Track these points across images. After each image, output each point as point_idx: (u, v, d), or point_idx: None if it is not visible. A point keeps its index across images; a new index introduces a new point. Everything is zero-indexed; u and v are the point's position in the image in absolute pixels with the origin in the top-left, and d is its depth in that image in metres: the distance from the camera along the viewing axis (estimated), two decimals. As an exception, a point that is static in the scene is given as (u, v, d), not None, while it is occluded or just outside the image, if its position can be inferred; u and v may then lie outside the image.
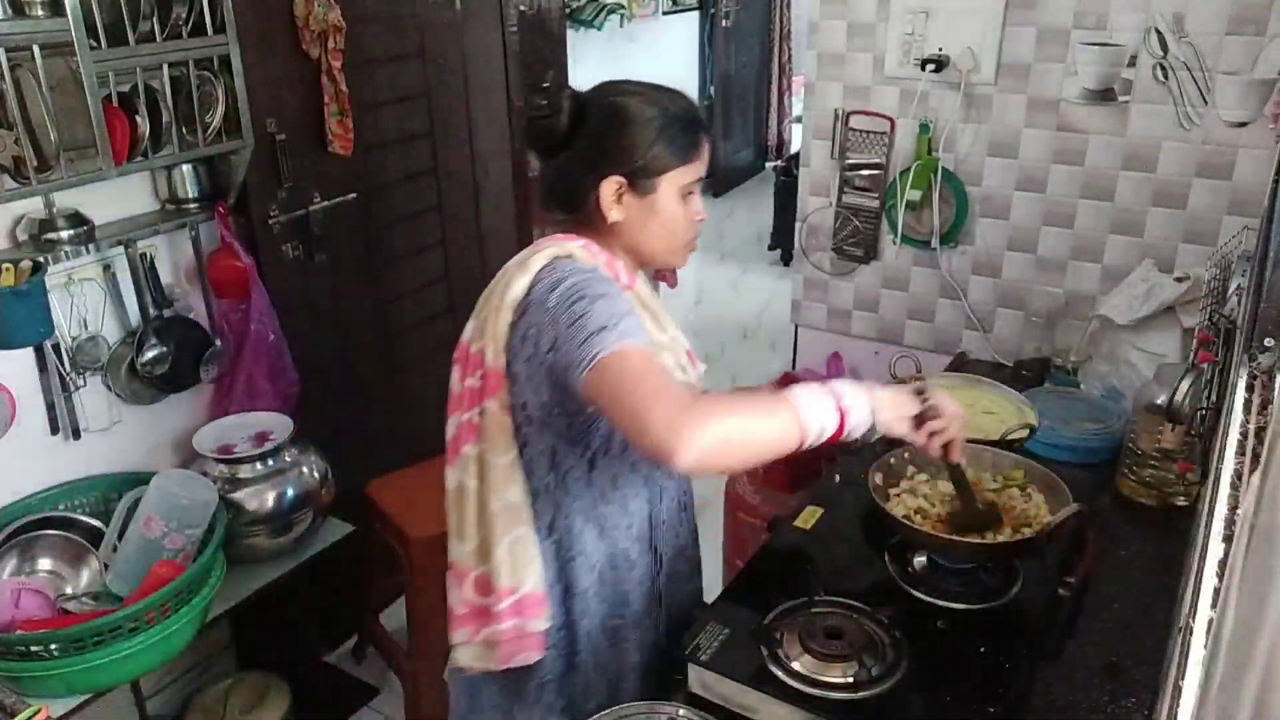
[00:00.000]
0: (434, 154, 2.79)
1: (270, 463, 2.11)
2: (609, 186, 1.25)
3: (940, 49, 2.16)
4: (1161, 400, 1.48)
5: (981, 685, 1.20)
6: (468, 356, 1.28)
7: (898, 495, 1.46)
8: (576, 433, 1.26)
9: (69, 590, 1.87)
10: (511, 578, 1.28)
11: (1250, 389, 0.95)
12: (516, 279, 1.23)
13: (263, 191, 2.28)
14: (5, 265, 1.77)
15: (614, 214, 1.26)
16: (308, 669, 2.44)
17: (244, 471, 2.08)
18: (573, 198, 1.28)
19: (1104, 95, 2.03)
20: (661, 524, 1.41)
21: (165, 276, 2.12)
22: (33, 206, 1.87)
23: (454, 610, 1.35)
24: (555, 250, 1.25)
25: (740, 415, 1.08)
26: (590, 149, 1.26)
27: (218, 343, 2.20)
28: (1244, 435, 0.86)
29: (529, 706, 1.38)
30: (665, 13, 5.25)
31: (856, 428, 1.14)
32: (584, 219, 1.29)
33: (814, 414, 1.10)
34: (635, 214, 1.27)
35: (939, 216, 2.27)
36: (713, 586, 1.58)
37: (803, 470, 1.93)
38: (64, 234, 1.88)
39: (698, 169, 1.29)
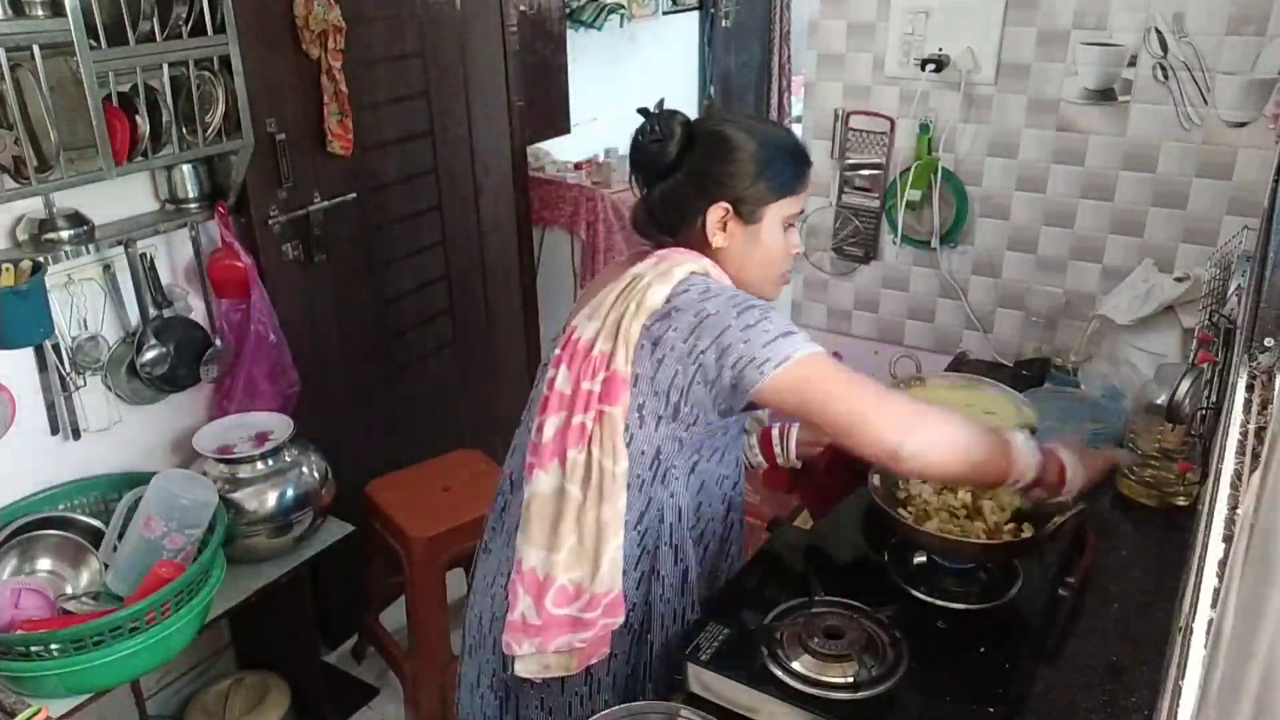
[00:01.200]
0: (434, 154, 2.79)
1: (270, 463, 2.11)
2: (715, 213, 1.29)
3: (940, 49, 2.16)
4: (1161, 400, 1.48)
5: (981, 685, 1.20)
6: (586, 357, 1.26)
7: (917, 505, 1.45)
8: (695, 434, 1.28)
9: (69, 590, 1.87)
10: (611, 582, 1.28)
11: (1250, 389, 0.95)
12: (656, 287, 1.25)
13: (263, 191, 2.28)
14: (5, 265, 1.77)
15: (718, 240, 1.30)
16: (308, 669, 2.44)
17: (244, 471, 2.08)
18: (677, 221, 1.31)
19: (1104, 95, 2.03)
20: (734, 536, 1.45)
21: (165, 276, 2.12)
22: (33, 206, 1.87)
23: (521, 620, 1.30)
24: (693, 266, 1.29)
25: (960, 426, 1.21)
26: (699, 175, 1.29)
27: (218, 343, 2.20)
28: (1244, 435, 0.86)
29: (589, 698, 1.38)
30: (665, 13, 5.24)
31: (1069, 488, 1.28)
32: (686, 243, 1.32)
33: (1026, 456, 1.23)
34: (738, 242, 1.31)
35: (939, 216, 2.27)
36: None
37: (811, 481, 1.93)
38: (64, 234, 1.88)
39: (800, 201, 1.34)
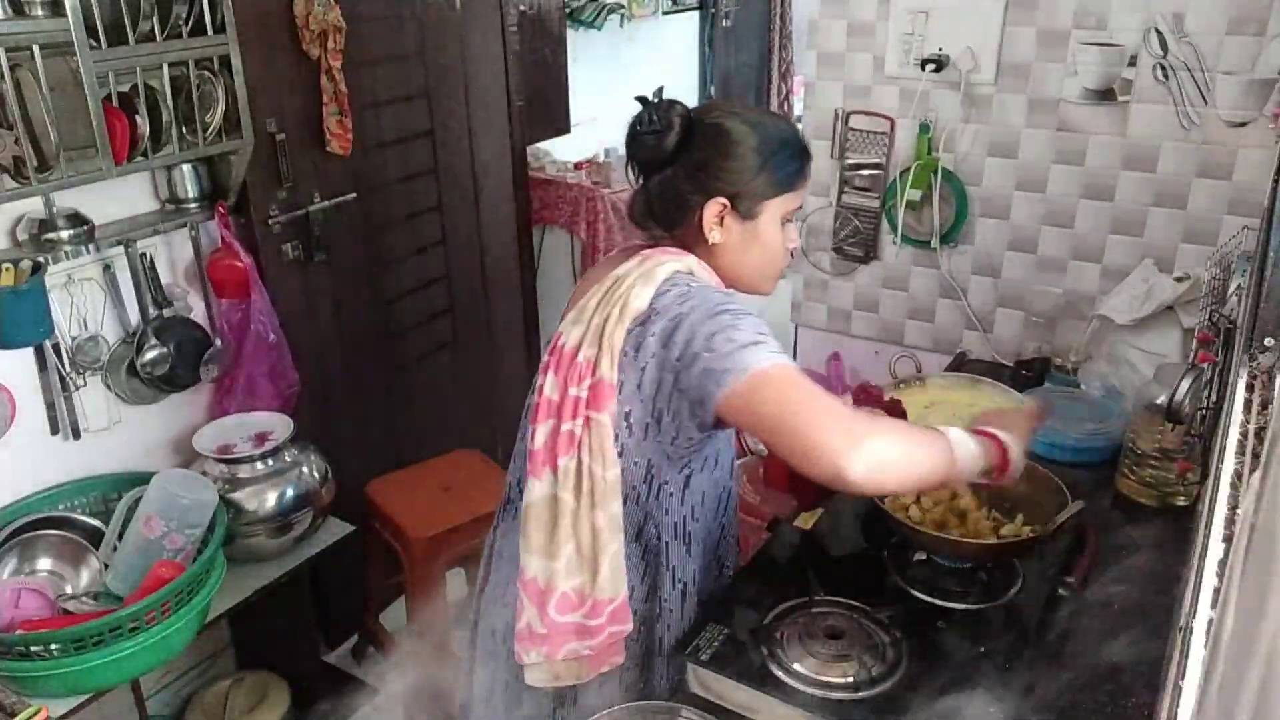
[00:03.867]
0: (434, 154, 2.79)
1: (270, 463, 2.11)
2: (712, 208, 1.26)
3: (940, 49, 2.16)
4: (1161, 400, 1.47)
5: (981, 685, 1.20)
6: (572, 363, 1.24)
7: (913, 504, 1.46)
8: (680, 449, 1.25)
9: (69, 590, 1.87)
10: (613, 589, 1.26)
11: (1250, 389, 0.95)
12: (639, 289, 1.22)
13: (263, 191, 2.28)
14: (5, 265, 1.77)
15: (714, 235, 1.27)
16: (308, 669, 2.44)
17: (244, 471, 2.08)
18: (674, 215, 1.29)
19: (1104, 95, 2.03)
20: (730, 540, 1.43)
21: (165, 276, 2.12)
22: (33, 206, 1.87)
23: (527, 629, 1.29)
24: (677, 265, 1.26)
25: (903, 436, 1.16)
26: (697, 169, 1.26)
27: (218, 343, 2.20)
28: (1244, 435, 0.86)
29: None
30: (665, 13, 5.24)
31: (1015, 469, 1.23)
32: (682, 237, 1.30)
33: (965, 450, 1.18)
34: (735, 238, 1.28)
35: (939, 216, 2.27)
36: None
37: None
38: (64, 234, 1.88)
39: (799, 197, 1.31)
